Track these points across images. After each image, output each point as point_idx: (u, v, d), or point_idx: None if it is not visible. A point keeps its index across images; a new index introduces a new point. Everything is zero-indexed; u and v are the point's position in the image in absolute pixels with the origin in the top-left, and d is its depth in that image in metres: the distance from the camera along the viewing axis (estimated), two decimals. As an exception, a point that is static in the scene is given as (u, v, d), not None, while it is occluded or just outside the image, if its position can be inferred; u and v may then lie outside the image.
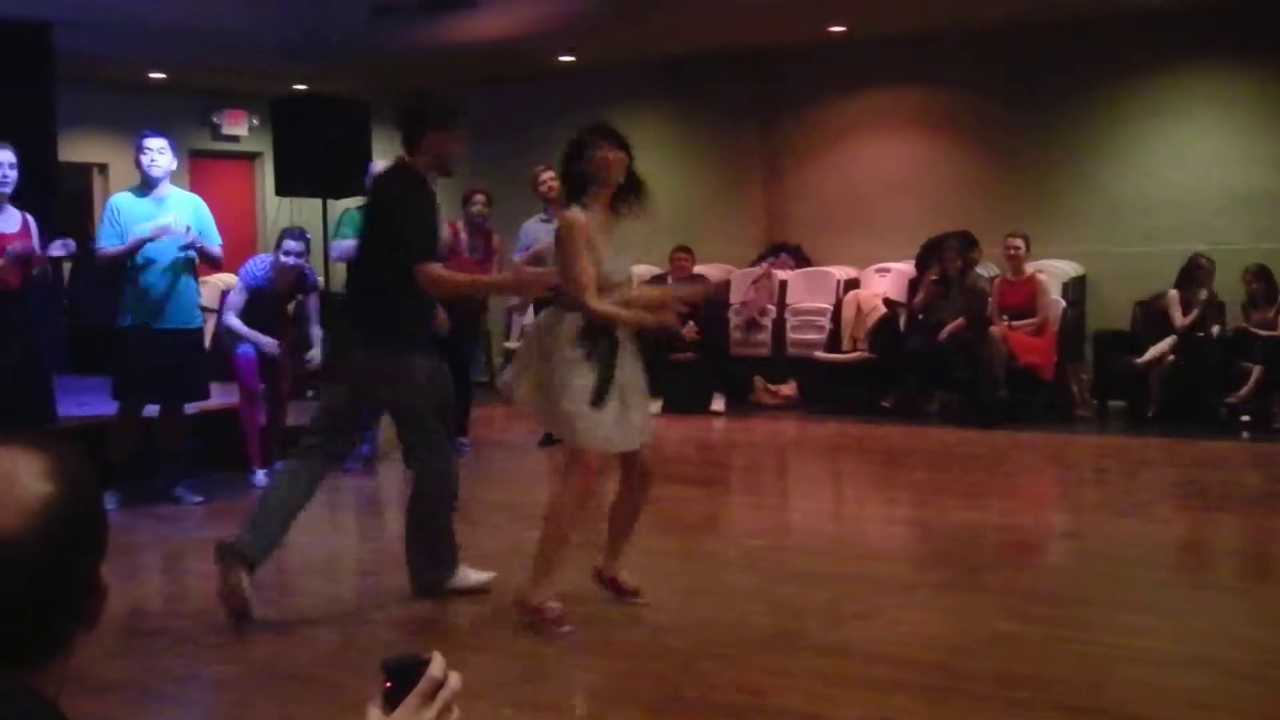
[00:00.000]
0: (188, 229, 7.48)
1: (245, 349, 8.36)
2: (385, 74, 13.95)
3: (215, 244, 7.76)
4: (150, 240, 7.38)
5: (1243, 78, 11.24)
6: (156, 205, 7.52)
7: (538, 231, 9.15)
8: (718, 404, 11.68)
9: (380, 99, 11.88)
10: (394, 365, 5.34)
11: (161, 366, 7.50)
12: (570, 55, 13.31)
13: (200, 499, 7.78)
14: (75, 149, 13.01)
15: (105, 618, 1.46)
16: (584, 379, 4.91)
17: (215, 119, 15.35)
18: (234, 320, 8.37)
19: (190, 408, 8.07)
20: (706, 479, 8.53)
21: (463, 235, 9.33)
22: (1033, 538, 7.11)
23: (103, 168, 14.26)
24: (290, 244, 8.38)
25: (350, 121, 10.02)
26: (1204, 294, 10.53)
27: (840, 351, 11.76)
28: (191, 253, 7.58)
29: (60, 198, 10.73)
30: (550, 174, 8.75)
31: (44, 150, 10.12)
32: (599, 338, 4.93)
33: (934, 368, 11.19)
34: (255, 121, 15.26)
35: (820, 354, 11.87)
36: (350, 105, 10.30)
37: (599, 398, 4.90)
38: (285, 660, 5.04)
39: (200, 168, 15.05)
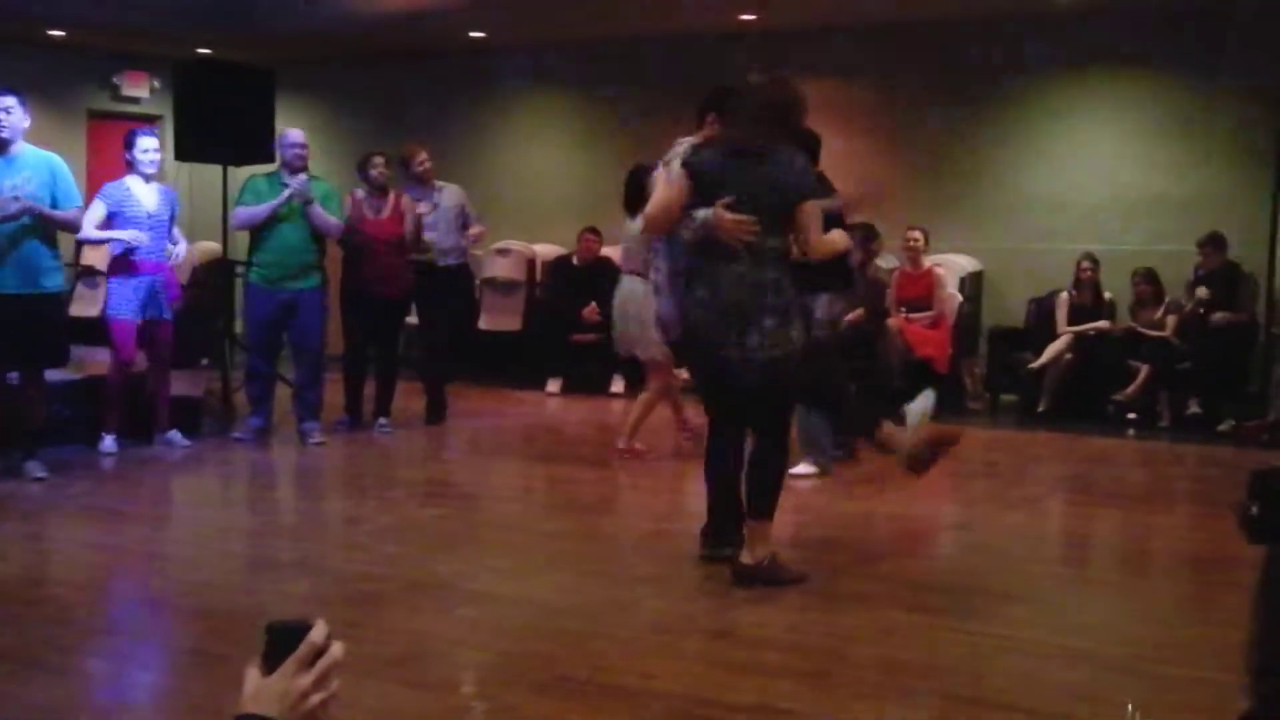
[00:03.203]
0: (16, 198, 7.06)
1: (122, 315, 8.12)
2: (292, 43, 13.76)
3: (73, 205, 7.37)
4: None
5: (1145, 83, 11.43)
6: (7, 166, 7.14)
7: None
8: (617, 386, 11.71)
9: (286, 68, 11.72)
10: None
11: (5, 333, 7.13)
12: (480, 32, 13.22)
13: (44, 475, 7.35)
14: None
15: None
16: None
17: (116, 80, 15.05)
18: (92, 230, 8.03)
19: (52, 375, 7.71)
20: (603, 461, 8.55)
21: (363, 202, 9.28)
22: (923, 527, 7.22)
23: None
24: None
25: (254, 89, 9.84)
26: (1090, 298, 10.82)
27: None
28: (27, 219, 7.15)
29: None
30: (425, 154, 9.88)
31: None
32: None
33: (832, 357, 11.28)
34: (157, 84, 14.99)
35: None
36: (255, 73, 10.12)
37: None
38: (172, 632, 4.99)
39: (99, 129, 14.76)
